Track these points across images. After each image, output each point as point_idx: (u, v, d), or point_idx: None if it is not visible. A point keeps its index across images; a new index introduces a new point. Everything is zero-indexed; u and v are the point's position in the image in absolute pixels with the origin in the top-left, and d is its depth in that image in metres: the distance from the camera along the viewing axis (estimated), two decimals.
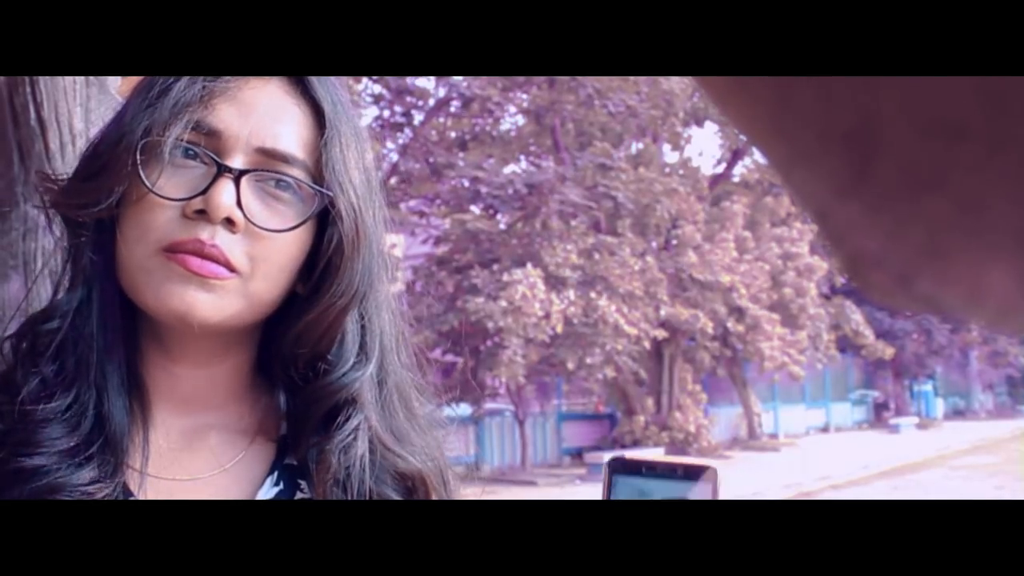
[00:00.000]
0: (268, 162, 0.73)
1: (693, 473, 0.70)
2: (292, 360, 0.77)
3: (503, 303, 11.30)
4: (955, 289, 0.19)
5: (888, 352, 18.13)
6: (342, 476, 0.74)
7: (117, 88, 1.20)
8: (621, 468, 0.71)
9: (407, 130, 14.45)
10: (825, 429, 20.46)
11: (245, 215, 0.71)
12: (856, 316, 17.39)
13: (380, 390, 0.79)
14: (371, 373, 0.78)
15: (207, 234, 0.70)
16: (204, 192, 0.70)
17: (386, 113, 14.32)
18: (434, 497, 0.80)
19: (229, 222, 0.71)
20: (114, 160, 0.71)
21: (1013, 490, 10.29)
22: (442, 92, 14.24)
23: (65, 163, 1.14)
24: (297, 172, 0.74)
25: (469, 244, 13.00)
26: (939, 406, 23.07)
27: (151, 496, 0.74)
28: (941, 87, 0.17)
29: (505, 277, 11.65)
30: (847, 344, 18.29)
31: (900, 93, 0.18)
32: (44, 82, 1.14)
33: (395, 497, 0.77)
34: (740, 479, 11.94)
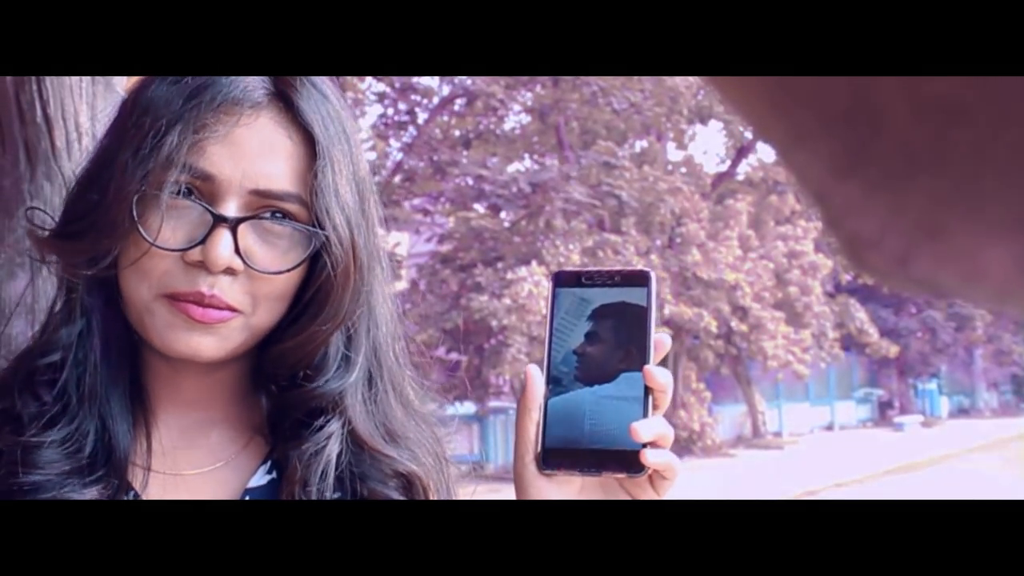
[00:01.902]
0: (263, 202, 0.73)
1: (629, 278, 0.72)
2: (272, 377, 0.78)
3: (507, 301, 11.30)
4: (952, 269, 0.19)
5: (892, 350, 18.09)
6: (308, 477, 0.75)
7: (123, 87, 1.21)
8: (563, 280, 0.74)
9: (411, 128, 14.45)
10: (829, 427, 20.42)
11: (244, 260, 0.72)
12: (861, 314, 17.35)
13: (371, 388, 0.80)
14: (358, 377, 0.79)
15: (206, 286, 0.71)
16: (202, 242, 0.71)
17: (390, 111, 14.31)
18: (432, 490, 0.80)
19: (229, 269, 0.71)
20: (110, 219, 0.71)
21: (1017, 489, 10.26)
22: (446, 90, 14.23)
23: (71, 160, 1.14)
24: (292, 207, 0.74)
25: (473, 242, 13.00)
26: (943, 404, 22.99)
27: (154, 489, 0.75)
28: None
29: (509, 275, 11.65)
30: (851, 342, 18.24)
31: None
32: (50, 79, 1.15)
33: (396, 495, 0.78)
34: (744, 477, 11.93)
